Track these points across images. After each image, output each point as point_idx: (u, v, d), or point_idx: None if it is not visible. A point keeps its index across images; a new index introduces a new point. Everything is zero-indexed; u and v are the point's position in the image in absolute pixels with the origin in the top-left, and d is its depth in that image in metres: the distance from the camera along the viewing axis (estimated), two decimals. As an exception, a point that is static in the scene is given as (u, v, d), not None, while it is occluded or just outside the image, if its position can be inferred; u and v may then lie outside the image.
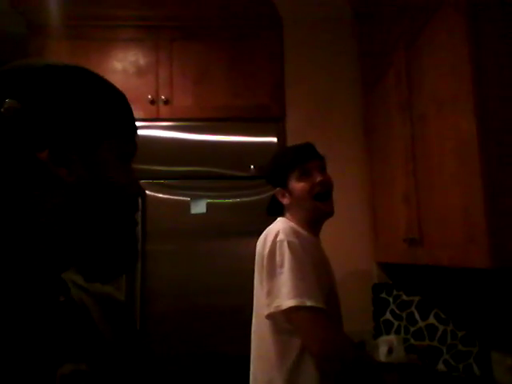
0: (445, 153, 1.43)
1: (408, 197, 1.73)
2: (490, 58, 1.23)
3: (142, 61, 2.30)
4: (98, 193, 0.54)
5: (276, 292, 1.22)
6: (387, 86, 1.95)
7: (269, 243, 1.27)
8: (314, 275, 1.23)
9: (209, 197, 2.17)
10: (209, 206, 2.16)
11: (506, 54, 1.22)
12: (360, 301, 2.18)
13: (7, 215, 0.50)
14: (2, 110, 0.49)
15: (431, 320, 2.12)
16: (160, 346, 2.02)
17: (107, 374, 0.55)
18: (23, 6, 2.21)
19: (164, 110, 2.25)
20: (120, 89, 0.61)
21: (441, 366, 2.03)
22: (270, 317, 1.25)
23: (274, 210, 1.46)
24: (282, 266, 1.22)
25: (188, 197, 2.16)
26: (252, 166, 2.19)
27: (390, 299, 2.21)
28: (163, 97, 2.24)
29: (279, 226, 1.30)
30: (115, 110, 0.58)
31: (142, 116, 2.15)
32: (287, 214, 1.42)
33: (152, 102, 2.23)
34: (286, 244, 1.23)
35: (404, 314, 2.19)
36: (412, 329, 2.15)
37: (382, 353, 1.97)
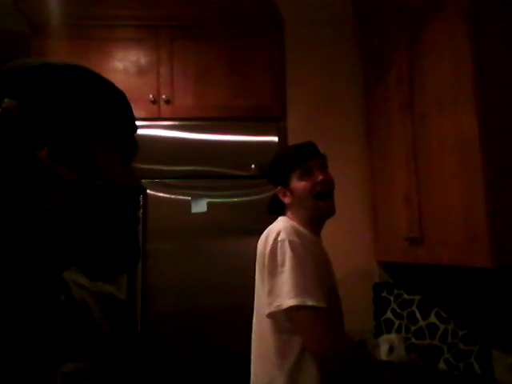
0: (446, 152, 1.43)
1: (409, 196, 1.73)
2: (492, 57, 1.23)
3: (142, 60, 2.30)
4: (98, 191, 0.54)
5: (277, 291, 1.22)
6: (388, 86, 1.95)
7: (270, 242, 1.27)
8: (315, 274, 1.23)
9: (209, 196, 2.17)
10: (209, 205, 2.16)
11: (508, 53, 1.22)
12: (361, 300, 2.18)
13: (7, 214, 0.50)
14: (0, 109, 0.49)
15: (432, 319, 2.12)
16: (161, 345, 2.03)
17: (108, 372, 0.55)
18: (24, 2, 2.21)
19: (165, 110, 2.25)
20: (121, 88, 0.61)
21: (442, 365, 2.03)
22: (270, 316, 1.25)
23: (275, 209, 1.46)
24: (283, 265, 1.22)
25: (189, 196, 2.16)
26: (253, 166, 2.19)
27: (391, 298, 2.21)
28: (164, 96, 2.24)
29: (280, 226, 1.30)
30: (114, 108, 0.58)
31: (143, 115, 2.15)
32: (288, 213, 1.42)
33: (153, 101, 2.24)
34: (287, 243, 1.24)
35: (405, 313, 2.19)
36: (413, 328, 2.15)
37: (382, 352, 1.97)
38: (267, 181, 1.50)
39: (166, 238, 2.14)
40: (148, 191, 2.13)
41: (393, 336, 2.05)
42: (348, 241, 2.20)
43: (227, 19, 2.33)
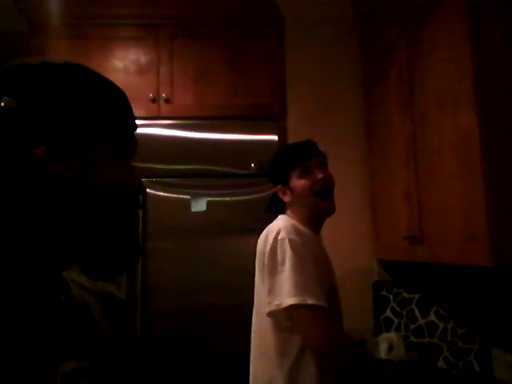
0: (445, 151, 1.43)
1: (409, 195, 1.73)
2: (491, 57, 1.23)
3: (142, 59, 2.30)
4: (95, 188, 0.54)
5: (277, 290, 1.22)
6: (388, 85, 1.95)
7: (270, 241, 1.27)
8: (315, 273, 1.23)
9: (209, 195, 2.17)
10: (209, 204, 2.16)
11: (507, 53, 1.22)
12: (360, 298, 2.18)
13: (6, 214, 0.50)
14: None
15: (431, 317, 2.12)
16: (160, 344, 2.03)
17: (109, 371, 0.55)
18: (24, 2, 2.21)
19: (165, 109, 2.25)
20: (121, 87, 0.61)
21: (441, 364, 2.04)
22: (270, 314, 1.25)
23: (275, 208, 1.46)
24: (283, 263, 1.22)
25: (188, 195, 2.16)
26: (252, 164, 2.19)
27: (391, 297, 2.21)
28: (164, 95, 2.24)
29: (280, 224, 1.30)
30: (113, 106, 0.58)
31: (143, 114, 2.16)
32: (288, 212, 1.42)
33: (153, 100, 2.24)
34: (287, 242, 1.24)
35: (404, 312, 2.19)
36: (412, 326, 2.16)
37: (382, 350, 1.97)
38: (267, 179, 1.50)
39: (165, 237, 2.14)
40: (148, 190, 2.13)
41: (392, 334, 2.05)
42: (348, 239, 2.21)
43: (227, 18, 2.33)
